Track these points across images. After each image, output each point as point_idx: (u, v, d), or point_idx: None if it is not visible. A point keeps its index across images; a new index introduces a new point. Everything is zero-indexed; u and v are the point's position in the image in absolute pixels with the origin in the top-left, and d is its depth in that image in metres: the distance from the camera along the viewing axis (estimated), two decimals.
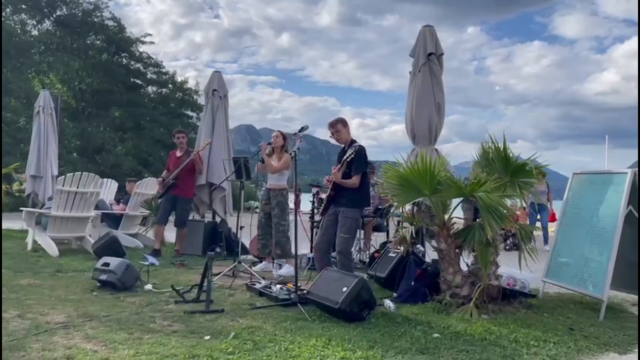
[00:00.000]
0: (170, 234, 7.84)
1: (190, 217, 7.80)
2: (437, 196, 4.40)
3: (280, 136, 6.13)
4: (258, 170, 6.18)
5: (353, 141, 4.96)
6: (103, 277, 4.69)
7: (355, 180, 4.78)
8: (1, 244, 6.86)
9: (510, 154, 4.45)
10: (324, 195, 5.33)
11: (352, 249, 5.89)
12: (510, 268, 4.87)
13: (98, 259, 5.23)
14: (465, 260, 4.62)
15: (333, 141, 5.19)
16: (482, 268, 4.27)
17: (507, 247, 8.86)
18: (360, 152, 4.76)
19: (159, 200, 7.42)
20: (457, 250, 4.48)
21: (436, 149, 5.82)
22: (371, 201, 7.44)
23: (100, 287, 4.72)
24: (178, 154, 7.39)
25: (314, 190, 6.91)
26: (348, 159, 4.72)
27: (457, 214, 4.60)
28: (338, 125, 4.97)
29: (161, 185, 7.29)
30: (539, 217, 9.59)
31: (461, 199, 4.51)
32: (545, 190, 9.37)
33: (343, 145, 5.03)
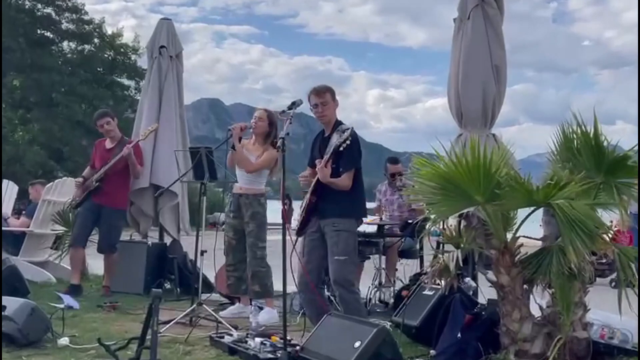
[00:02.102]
0: (96, 261, 7.85)
1: (126, 238, 7.80)
2: (496, 205, 4.41)
3: (265, 118, 6.13)
4: (229, 164, 6.17)
5: (338, 123, 5.01)
6: None
7: (347, 181, 4.86)
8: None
9: (605, 142, 4.46)
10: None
11: (359, 280, 5.89)
12: (605, 312, 4.87)
13: None
14: (538, 302, 4.63)
15: None
16: (563, 313, 4.28)
17: (614, 284, 8.76)
18: (354, 138, 4.78)
19: (77, 211, 7.39)
20: (525, 286, 4.48)
21: (494, 135, 5.84)
22: (397, 213, 7.47)
23: None
24: (108, 145, 7.36)
25: None
26: (341, 148, 4.72)
27: (525, 232, 4.61)
28: (327, 95, 5.01)
29: (80, 189, 7.25)
30: None
31: (532, 208, 4.52)
32: None
33: (323, 130, 5.11)
